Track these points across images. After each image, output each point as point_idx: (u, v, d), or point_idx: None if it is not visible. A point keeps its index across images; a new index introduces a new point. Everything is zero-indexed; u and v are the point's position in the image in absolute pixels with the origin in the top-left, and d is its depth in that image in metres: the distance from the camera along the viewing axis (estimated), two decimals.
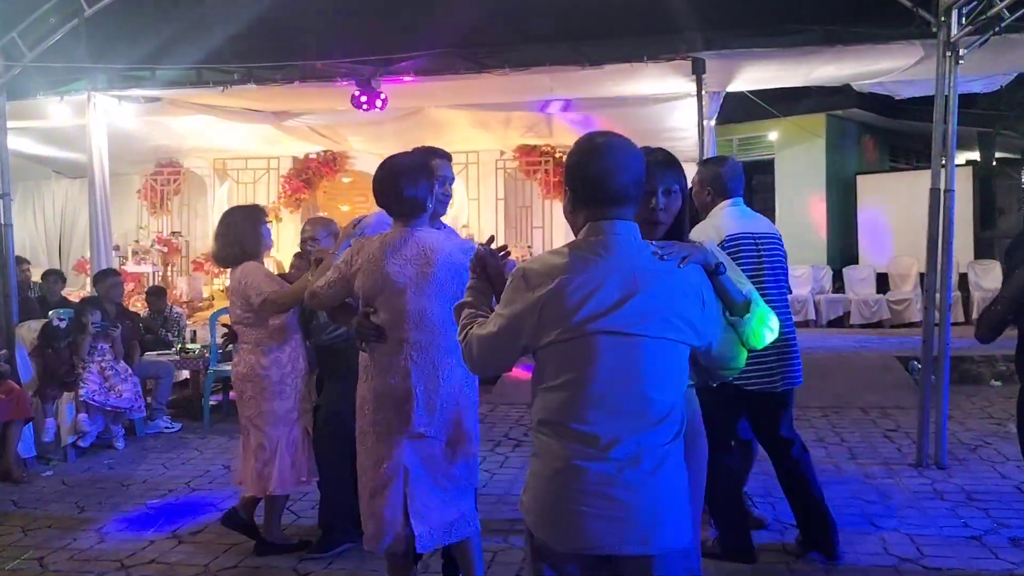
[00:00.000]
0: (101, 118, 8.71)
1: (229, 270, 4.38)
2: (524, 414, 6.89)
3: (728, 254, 2.54)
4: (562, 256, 2.02)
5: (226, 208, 12.93)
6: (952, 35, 5.48)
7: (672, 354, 2.01)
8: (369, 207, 12.54)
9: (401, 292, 3.05)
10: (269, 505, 4.22)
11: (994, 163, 15.70)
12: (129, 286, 11.62)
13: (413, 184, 3.10)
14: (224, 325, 4.40)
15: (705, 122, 8.22)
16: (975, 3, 5.44)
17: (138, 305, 10.22)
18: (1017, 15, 5.49)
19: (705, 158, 6.28)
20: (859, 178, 13.36)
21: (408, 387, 3.04)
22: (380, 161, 3.29)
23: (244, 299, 4.09)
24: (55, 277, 8.38)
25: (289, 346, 4.17)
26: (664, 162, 2.37)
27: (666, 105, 9.19)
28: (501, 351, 2.10)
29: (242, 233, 4.18)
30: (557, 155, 12.21)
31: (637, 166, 2.04)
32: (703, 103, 8.07)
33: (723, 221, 3.75)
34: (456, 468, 3.17)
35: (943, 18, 5.52)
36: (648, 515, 1.95)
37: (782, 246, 3.86)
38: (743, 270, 2.51)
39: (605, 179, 2.00)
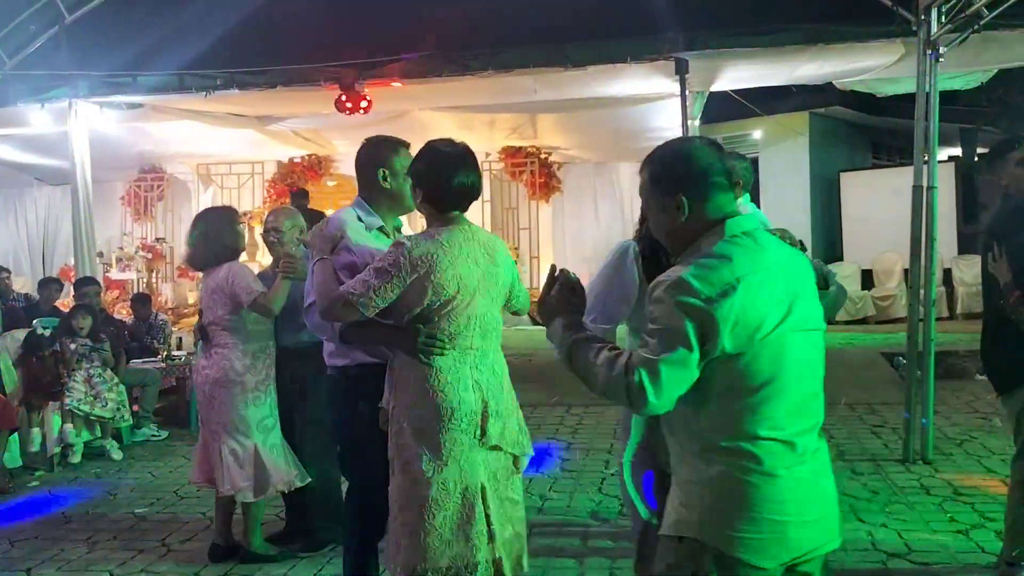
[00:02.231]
0: (83, 125, 8.66)
1: (203, 273, 4.26)
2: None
3: None
4: (724, 259, 1.82)
5: None
6: (932, 33, 5.53)
7: (823, 343, 1.99)
8: None
9: (471, 296, 2.76)
10: (247, 513, 4.14)
11: (976, 159, 15.83)
12: (114, 293, 11.58)
13: (473, 171, 2.82)
14: (200, 327, 4.26)
15: (689, 122, 8.26)
16: (954, 1, 5.49)
17: (123, 312, 10.17)
18: (996, 12, 5.54)
19: None
20: (843, 175, 13.45)
21: (481, 398, 2.78)
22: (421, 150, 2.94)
23: (230, 299, 4.00)
24: (56, 286, 8.34)
25: (265, 352, 4.13)
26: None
27: (650, 105, 9.24)
28: (689, 374, 1.80)
29: (222, 233, 4.13)
30: (542, 156, 12.23)
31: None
32: (687, 103, 8.10)
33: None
34: (520, 480, 2.98)
35: (923, 16, 5.56)
36: (837, 508, 1.96)
37: None
38: None
39: (717, 173, 1.92)
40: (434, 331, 2.72)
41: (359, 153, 3.21)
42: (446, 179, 2.75)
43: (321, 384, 3.36)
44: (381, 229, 3.11)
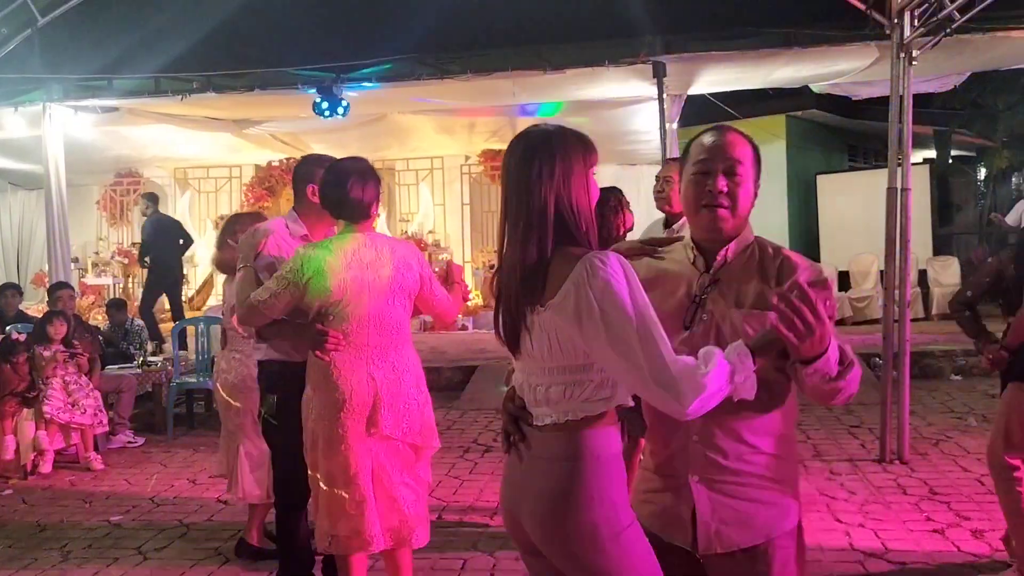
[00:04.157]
0: (57, 129, 8.57)
1: (227, 277, 4.38)
2: (492, 420, 6.88)
3: None
4: None
5: (188, 217, 12.83)
6: (905, 37, 5.59)
7: None
8: None
9: (362, 298, 3.05)
10: (252, 512, 4.22)
11: (950, 161, 16.02)
12: (89, 298, 11.45)
13: (362, 187, 3.11)
14: (222, 331, 4.46)
15: (668, 125, 8.30)
16: (926, 5, 5.55)
17: (99, 318, 10.06)
18: (967, 16, 5.61)
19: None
20: (819, 178, 13.56)
21: (374, 391, 3.06)
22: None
23: None
24: (12, 291, 8.19)
25: None
26: None
27: (629, 108, 9.27)
28: None
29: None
30: None
31: None
32: (665, 106, 8.14)
33: None
34: (420, 468, 3.25)
35: (896, 20, 5.62)
36: None
37: None
38: None
39: None
40: (328, 328, 3.02)
41: (295, 169, 3.57)
42: (341, 193, 3.09)
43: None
44: (304, 237, 3.39)
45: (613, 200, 3.92)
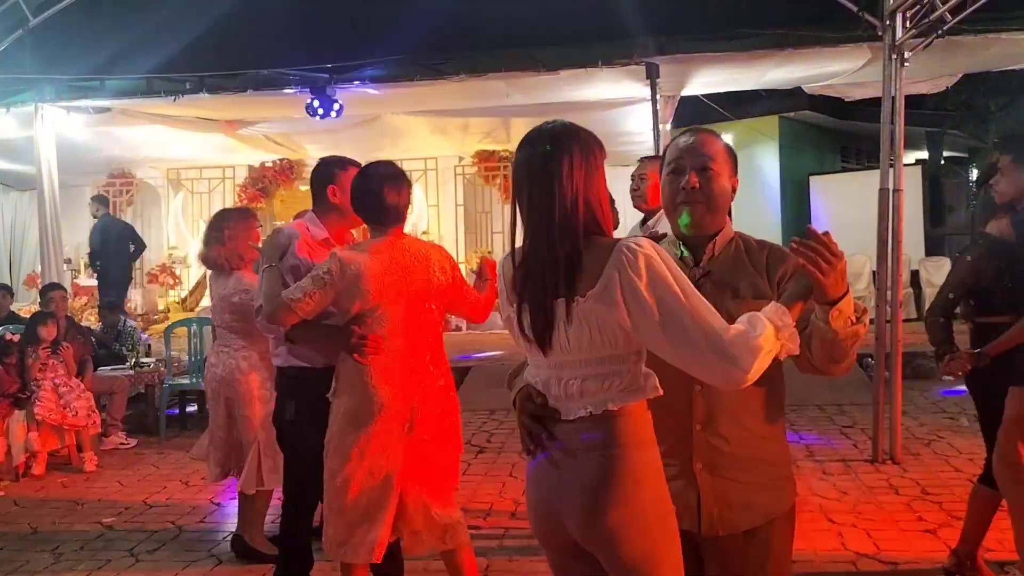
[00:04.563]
0: (49, 130, 8.54)
1: (212, 273, 4.35)
2: (486, 420, 6.88)
3: None
4: None
5: (180, 217, 12.75)
6: (897, 38, 5.61)
7: None
8: None
9: (399, 301, 3.02)
10: (249, 506, 4.21)
11: (943, 162, 16.08)
12: (82, 300, 11.41)
13: (397, 191, 3.09)
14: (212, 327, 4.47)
15: (661, 126, 8.31)
16: (918, 7, 5.57)
17: (91, 319, 10.03)
18: (959, 18, 5.63)
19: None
20: (812, 179, 13.60)
21: (412, 394, 3.04)
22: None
23: (239, 308, 4.13)
24: (3, 292, 8.16)
25: (270, 353, 4.18)
26: None
27: (622, 109, 9.27)
28: None
29: (237, 239, 4.23)
30: None
31: None
32: (658, 107, 8.15)
33: None
34: (452, 470, 3.24)
35: (888, 22, 5.64)
36: None
37: None
38: None
39: None
40: (367, 332, 2.99)
41: (313, 171, 3.50)
42: (375, 196, 3.07)
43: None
44: (326, 240, 3.37)
45: None
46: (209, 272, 4.45)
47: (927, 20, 5.57)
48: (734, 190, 2.09)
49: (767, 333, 1.73)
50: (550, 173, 1.83)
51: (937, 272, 11.52)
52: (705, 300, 1.76)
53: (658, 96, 8.11)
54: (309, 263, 3.21)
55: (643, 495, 1.81)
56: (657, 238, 2.14)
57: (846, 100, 9.80)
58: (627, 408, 1.82)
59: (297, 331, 3.16)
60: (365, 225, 3.21)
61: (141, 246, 10.57)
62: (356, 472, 3.01)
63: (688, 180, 2.03)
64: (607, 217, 1.88)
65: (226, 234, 4.21)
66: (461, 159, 12.35)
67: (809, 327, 1.88)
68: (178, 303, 12.48)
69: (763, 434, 2.01)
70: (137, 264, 12.90)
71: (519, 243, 1.90)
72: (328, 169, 3.41)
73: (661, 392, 1.85)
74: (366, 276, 2.97)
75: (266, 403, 4.11)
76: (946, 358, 3.54)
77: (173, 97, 8.15)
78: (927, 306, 10.81)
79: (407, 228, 3.29)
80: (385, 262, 3.01)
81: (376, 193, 3.05)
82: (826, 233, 1.85)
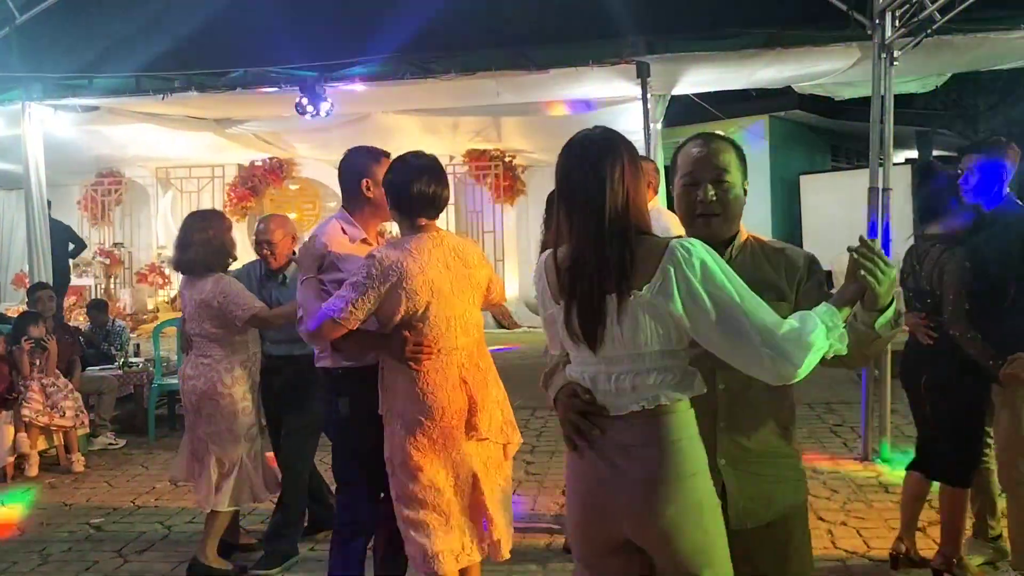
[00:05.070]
0: (37, 128, 8.47)
1: (186, 278, 4.08)
2: None
3: None
4: None
5: (171, 217, 12.67)
6: (887, 37, 5.62)
7: None
8: (317, 215, 12.46)
9: (446, 298, 2.88)
10: (211, 523, 4.05)
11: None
12: (71, 299, 11.35)
13: (437, 183, 2.94)
14: (184, 335, 4.20)
15: (652, 125, 8.30)
16: (907, 6, 5.58)
17: (80, 319, 9.97)
18: (948, 17, 5.65)
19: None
20: (802, 178, 13.63)
21: (469, 394, 2.92)
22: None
23: (218, 315, 3.92)
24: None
25: (251, 361, 4.10)
26: None
27: (613, 108, 9.27)
28: None
29: (213, 242, 3.99)
30: (506, 159, 12.22)
31: None
32: (649, 106, 8.15)
33: None
34: (509, 468, 3.12)
35: (877, 21, 5.66)
36: None
37: None
38: None
39: None
40: (420, 337, 2.84)
41: (342, 164, 3.28)
42: (412, 188, 2.88)
43: (311, 393, 3.69)
44: (364, 240, 3.18)
45: None
46: (182, 278, 4.18)
47: (916, 19, 5.58)
48: (745, 192, 2.13)
49: (819, 332, 1.79)
50: (600, 177, 1.90)
51: None
52: (757, 296, 1.81)
53: (648, 95, 8.10)
54: (356, 265, 2.95)
55: (700, 489, 1.87)
56: None
57: (836, 99, 9.82)
58: (677, 404, 1.87)
59: (345, 343, 2.96)
60: (394, 220, 3.04)
61: (82, 245, 10.50)
62: (417, 483, 2.88)
63: (704, 194, 2.07)
64: (647, 216, 1.96)
65: (211, 234, 4.00)
66: (452, 158, 12.32)
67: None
68: (167, 303, 12.43)
69: (779, 430, 2.10)
70: (126, 264, 12.88)
71: (560, 245, 1.98)
72: (361, 160, 3.21)
73: (705, 390, 1.91)
74: (410, 276, 2.81)
75: (249, 415, 4.03)
76: (1003, 364, 3.34)
77: (162, 95, 8.09)
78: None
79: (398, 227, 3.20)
80: (428, 259, 2.86)
81: (417, 186, 2.88)
82: (875, 240, 1.95)
